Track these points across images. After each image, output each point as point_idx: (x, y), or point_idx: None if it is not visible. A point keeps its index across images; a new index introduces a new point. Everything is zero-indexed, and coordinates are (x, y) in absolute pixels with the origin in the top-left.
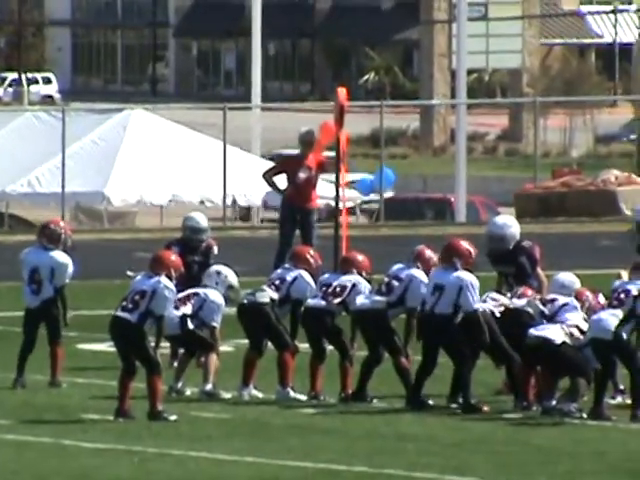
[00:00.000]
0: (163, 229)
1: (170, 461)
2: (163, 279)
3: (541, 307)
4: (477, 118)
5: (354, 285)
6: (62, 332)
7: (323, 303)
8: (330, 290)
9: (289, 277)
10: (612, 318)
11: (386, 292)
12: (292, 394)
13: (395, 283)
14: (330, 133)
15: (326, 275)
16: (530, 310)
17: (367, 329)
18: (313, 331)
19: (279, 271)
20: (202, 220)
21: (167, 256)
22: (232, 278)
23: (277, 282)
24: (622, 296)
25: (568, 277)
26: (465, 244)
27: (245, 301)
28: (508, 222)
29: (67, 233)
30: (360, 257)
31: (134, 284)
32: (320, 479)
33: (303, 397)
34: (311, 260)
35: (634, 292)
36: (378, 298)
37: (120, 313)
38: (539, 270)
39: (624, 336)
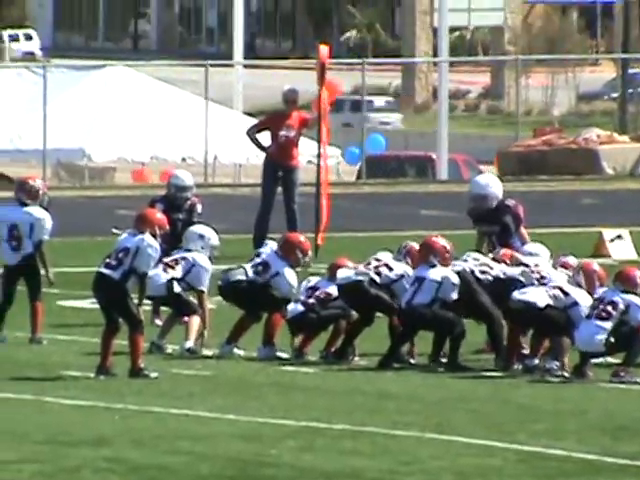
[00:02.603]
0: (144, 186)
1: (151, 418)
2: (147, 237)
3: (533, 277)
4: (459, 76)
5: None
6: (42, 289)
7: (301, 309)
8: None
9: (272, 268)
10: (601, 335)
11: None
12: (275, 352)
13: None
14: (332, 90)
15: (316, 279)
16: (523, 280)
17: (351, 300)
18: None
19: (263, 254)
20: (187, 178)
21: (152, 214)
22: (214, 239)
23: (260, 267)
24: (609, 308)
25: (534, 248)
26: (440, 241)
27: (220, 282)
28: (490, 181)
29: (44, 190)
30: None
31: (119, 242)
32: (301, 437)
33: (286, 355)
34: (299, 255)
35: (621, 306)
36: (361, 270)
37: (103, 270)
38: (522, 229)
39: (612, 340)
